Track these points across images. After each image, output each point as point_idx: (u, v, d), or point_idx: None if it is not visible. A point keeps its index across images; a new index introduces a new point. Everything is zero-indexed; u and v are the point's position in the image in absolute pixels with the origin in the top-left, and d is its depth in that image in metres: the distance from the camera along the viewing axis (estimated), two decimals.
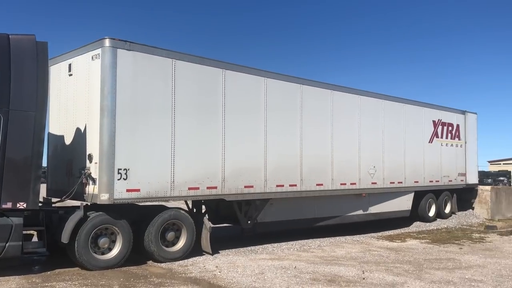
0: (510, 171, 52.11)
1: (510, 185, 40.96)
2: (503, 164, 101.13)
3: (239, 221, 10.37)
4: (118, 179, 7.87)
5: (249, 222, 10.52)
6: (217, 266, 8.12)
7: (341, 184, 12.13)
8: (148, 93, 8.46)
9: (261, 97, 10.31)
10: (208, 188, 9.20)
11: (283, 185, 10.61)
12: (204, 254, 9.19)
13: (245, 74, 10.09)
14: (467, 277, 7.75)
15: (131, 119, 8.16)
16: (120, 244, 8.01)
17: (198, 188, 9.05)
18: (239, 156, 9.78)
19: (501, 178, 42.01)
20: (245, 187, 9.85)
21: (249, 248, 10.20)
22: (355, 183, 12.58)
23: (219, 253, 9.47)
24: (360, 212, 13.12)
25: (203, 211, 10.93)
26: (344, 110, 12.41)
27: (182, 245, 8.85)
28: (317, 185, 11.46)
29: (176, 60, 8.87)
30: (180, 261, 8.59)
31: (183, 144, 8.85)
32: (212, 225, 9.71)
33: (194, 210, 10.70)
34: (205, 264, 8.33)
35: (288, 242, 11.00)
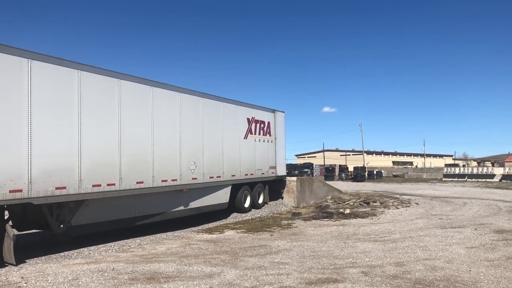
0: (312, 163, 59.27)
1: (312, 175, 46.57)
2: (307, 157, 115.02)
3: (50, 225, 9.51)
4: None
5: (61, 226, 9.71)
6: (23, 277, 7.30)
7: (162, 181, 12.12)
8: None
9: (74, 90, 9.60)
10: (11, 191, 8.17)
11: (100, 185, 10.09)
12: (7, 266, 8.16)
13: (56, 65, 9.25)
14: (276, 260, 8.53)
15: None
16: None
17: None
18: (49, 154, 8.93)
19: (306, 170, 47.46)
20: (57, 188, 9.06)
21: (62, 253, 9.43)
22: (176, 179, 12.71)
23: (25, 262, 8.52)
24: (182, 207, 13.31)
25: (6, 217, 9.68)
26: (164, 107, 12.40)
27: None
28: (138, 183, 11.23)
29: None
30: None
31: None
32: (17, 232, 8.70)
33: None
34: (7, 276, 7.40)
35: (107, 244, 10.53)
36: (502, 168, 52.08)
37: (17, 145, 8.37)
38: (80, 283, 6.91)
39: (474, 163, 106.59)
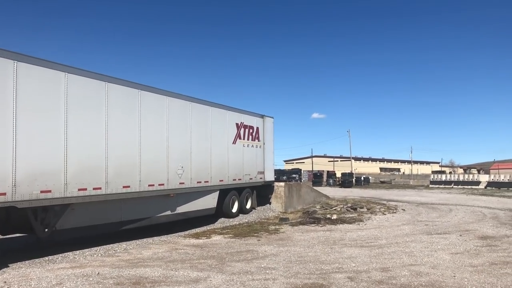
0: (301, 169, 59.41)
1: (301, 181, 46.68)
2: (296, 163, 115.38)
3: (34, 229, 9.38)
4: None
5: (46, 230, 9.59)
6: (5, 282, 7.19)
7: (149, 185, 12.05)
8: None
9: (61, 93, 9.53)
10: None
11: (86, 189, 10.00)
12: None
13: (42, 67, 9.18)
14: (262, 266, 8.52)
15: None
16: None
17: None
18: (35, 157, 8.84)
19: (294, 175, 47.57)
20: (42, 192, 8.95)
21: (46, 258, 9.31)
22: (163, 184, 12.65)
23: (8, 266, 8.39)
24: (169, 212, 13.24)
25: None
26: (152, 111, 12.35)
27: None
28: (124, 187, 11.15)
29: None
30: None
31: None
32: (0, 236, 8.57)
33: None
34: None
35: (92, 248, 10.43)
36: (487, 175, 52.78)
37: (1, 148, 8.26)
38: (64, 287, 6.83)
39: (461, 170, 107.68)
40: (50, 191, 9.15)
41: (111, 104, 10.82)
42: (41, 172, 8.98)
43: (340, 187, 50.58)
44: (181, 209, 13.74)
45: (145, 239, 11.91)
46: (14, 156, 8.43)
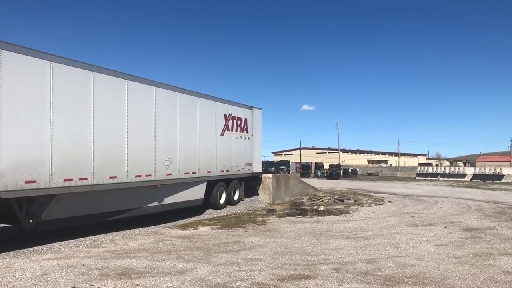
0: (289, 161, 59.57)
1: (289, 173, 46.84)
2: (284, 154, 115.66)
3: (19, 220, 9.28)
4: None
5: (31, 220, 9.49)
6: None
7: (136, 176, 11.97)
8: None
9: (46, 82, 9.39)
10: None
11: (72, 179, 9.90)
12: None
13: (27, 56, 9.01)
14: (249, 257, 8.53)
15: None
16: None
17: None
18: (19, 147, 8.72)
19: (282, 167, 47.67)
20: (26, 182, 8.85)
21: (31, 248, 9.23)
22: (150, 175, 12.57)
23: None
24: (156, 203, 13.18)
25: None
26: (139, 101, 12.24)
27: None
28: (111, 177, 11.06)
29: None
30: None
31: None
32: None
33: None
34: None
35: (78, 239, 10.36)
36: (473, 168, 53.56)
37: None
38: (48, 278, 6.77)
39: (447, 163, 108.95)
40: (35, 182, 9.04)
41: (98, 93, 10.69)
42: (26, 162, 8.86)
43: (328, 179, 50.83)
44: (169, 200, 13.70)
45: (131, 230, 11.86)
46: None
